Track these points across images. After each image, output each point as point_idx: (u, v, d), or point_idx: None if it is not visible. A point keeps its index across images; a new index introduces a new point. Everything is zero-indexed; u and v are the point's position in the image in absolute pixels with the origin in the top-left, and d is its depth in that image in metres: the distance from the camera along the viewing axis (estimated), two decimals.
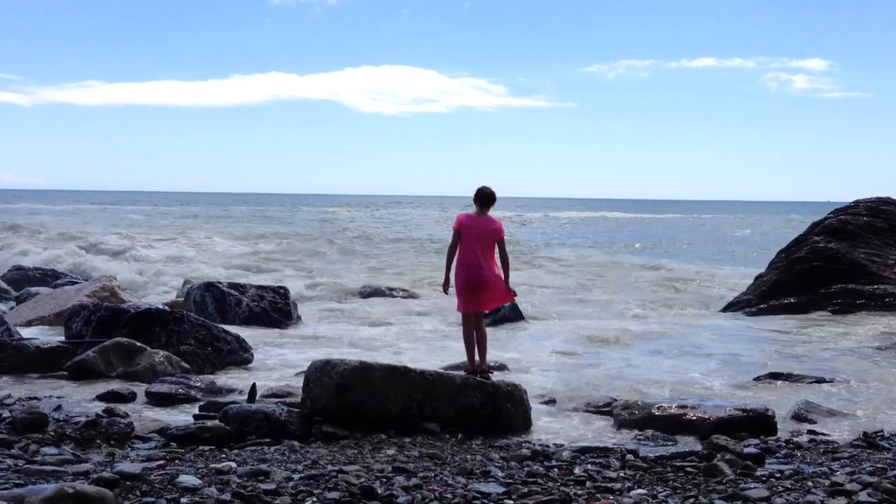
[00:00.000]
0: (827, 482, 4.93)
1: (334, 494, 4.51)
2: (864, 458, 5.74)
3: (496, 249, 7.73)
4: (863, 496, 4.56)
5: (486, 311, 8.35)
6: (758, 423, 6.97)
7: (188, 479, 4.61)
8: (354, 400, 6.65)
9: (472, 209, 7.86)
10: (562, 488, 4.87)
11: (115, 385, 7.93)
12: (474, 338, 7.76)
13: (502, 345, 12.07)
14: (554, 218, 72.48)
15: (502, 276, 7.75)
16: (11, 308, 13.86)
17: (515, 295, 7.98)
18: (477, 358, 7.71)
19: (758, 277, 18.35)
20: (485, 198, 7.82)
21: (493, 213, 7.85)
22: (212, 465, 5.10)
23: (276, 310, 14.19)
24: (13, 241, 27.35)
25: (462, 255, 7.70)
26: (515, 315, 15.10)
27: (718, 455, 5.51)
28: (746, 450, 5.80)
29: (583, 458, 5.81)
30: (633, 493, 4.78)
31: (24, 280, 18.29)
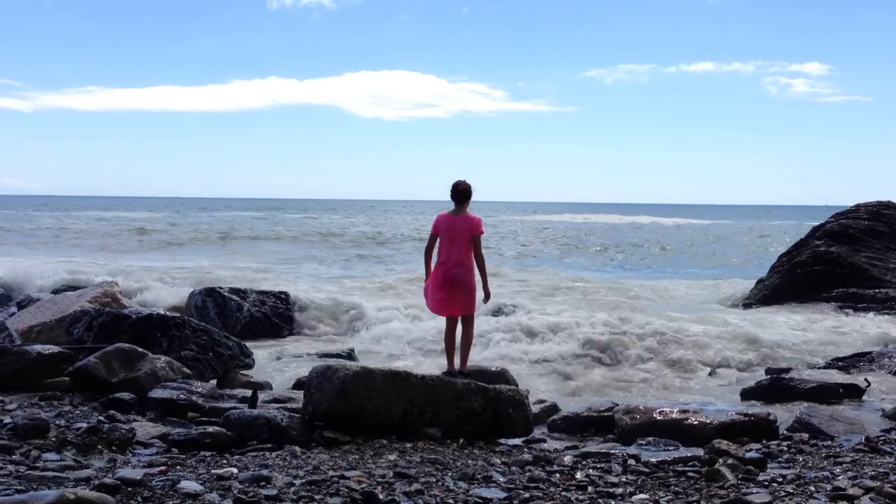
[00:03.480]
0: (829, 487, 4.93)
1: (336, 500, 4.51)
2: (866, 463, 5.74)
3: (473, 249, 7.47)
4: (865, 501, 4.56)
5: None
6: (759, 427, 6.96)
7: (190, 485, 4.61)
8: (356, 405, 6.64)
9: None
10: (563, 493, 4.87)
11: (117, 391, 7.92)
12: (454, 340, 7.67)
13: (504, 347, 12.08)
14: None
15: (476, 280, 7.51)
16: (13, 314, 13.86)
17: (487, 300, 7.76)
18: (458, 362, 7.65)
19: (759, 281, 18.36)
20: (459, 194, 7.63)
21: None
22: (213, 471, 5.10)
23: (277, 315, 14.21)
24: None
25: (438, 256, 7.61)
26: (514, 315, 15.11)
27: (720, 460, 5.51)
28: (748, 454, 5.79)
29: (584, 462, 5.81)
30: (634, 497, 4.79)
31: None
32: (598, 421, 7.60)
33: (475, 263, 7.58)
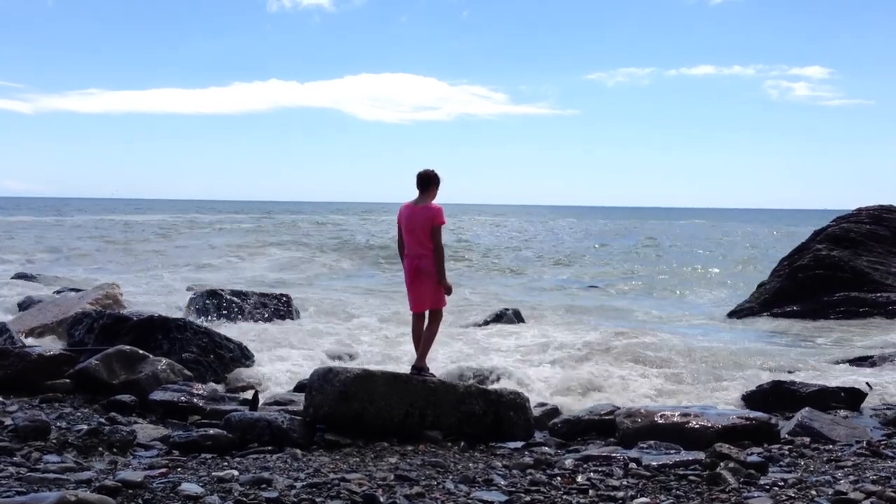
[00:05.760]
0: (830, 490, 4.92)
1: (337, 503, 4.51)
2: (868, 467, 5.72)
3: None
4: None
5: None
6: (761, 431, 6.94)
7: (190, 487, 4.61)
8: (357, 408, 6.64)
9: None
10: (564, 497, 4.86)
11: (118, 393, 7.93)
12: (421, 336, 7.49)
13: (504, 350, 12.07)
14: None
15: (436, 272, 7.28)
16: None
17: (449, 293, 7.45)
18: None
19: (760, 285, 18.35)
20: (420, 180, 7.42)
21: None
22: (214, 473, 5.10)
23: (278, 317, 14.21)
24: None
25: (404, 248, 7.50)
26: (517, 320, 15.12)
27: (721, 463, 5.50)
28: (749, 458, 5.79)
29: (585, 466, 5.80)
30: (636, 501, 4.78)
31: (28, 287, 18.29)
32: (600, 424, 7.58)
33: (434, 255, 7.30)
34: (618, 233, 60.11)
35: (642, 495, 4.92)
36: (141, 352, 8.72)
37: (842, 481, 5.18)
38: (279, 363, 10.88)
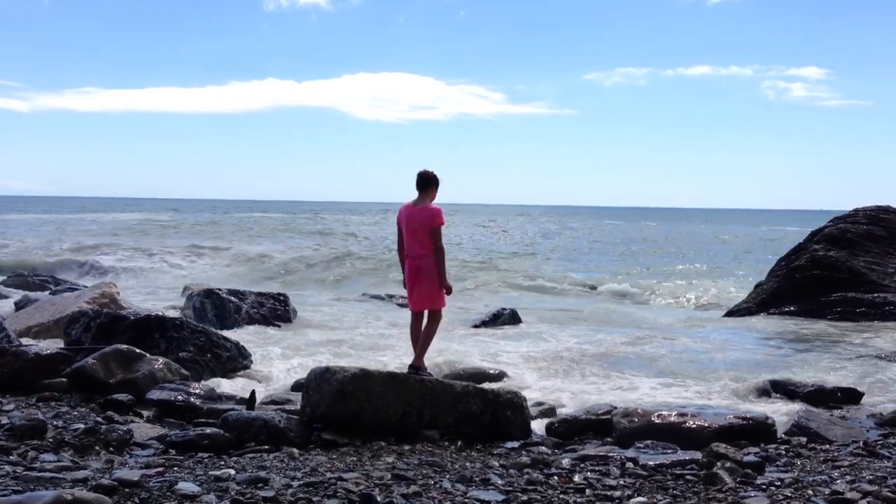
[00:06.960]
0: (827, 490, 4.93)
1: (333, 502, 4.51)
2: (864, 467, 5.73)
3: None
4: None
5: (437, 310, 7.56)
6: (758, 431, 6.95)
7: (187, 486, 4.61)
8: (354, 407, 6.64)
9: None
10: (561, 496, 4.87)
11: (115, 392, 7.93)
12: (419, 335, 7.49)
13: (502, 351, 12.07)
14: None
15: (436, 272, 7.27)
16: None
17: (449, 293, 7.48)
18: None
19: (757, 286, 18.38)
20: (420, 181, 7.41)
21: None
22: (211, 472, 5.09)
23: (275, 316, 14.22)
24: None
25: (404, 250, 7.49)
26: (514, 320, 15.14)
27: (718, 463, 5.51)
28: (746, 458, 5.79)
29: (582, 465, 5.80)
30: (632, 500, 4.79)
31: (24, 286, 18.32)
32: (597, 424, 7.58)
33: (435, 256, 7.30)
34: (615, 233, 60.13)
35: (639, 495, 4.92)
36: (138, 351, 8.71)
37: (838, 481, 5.19)
38: (276, 362, 10.89)
